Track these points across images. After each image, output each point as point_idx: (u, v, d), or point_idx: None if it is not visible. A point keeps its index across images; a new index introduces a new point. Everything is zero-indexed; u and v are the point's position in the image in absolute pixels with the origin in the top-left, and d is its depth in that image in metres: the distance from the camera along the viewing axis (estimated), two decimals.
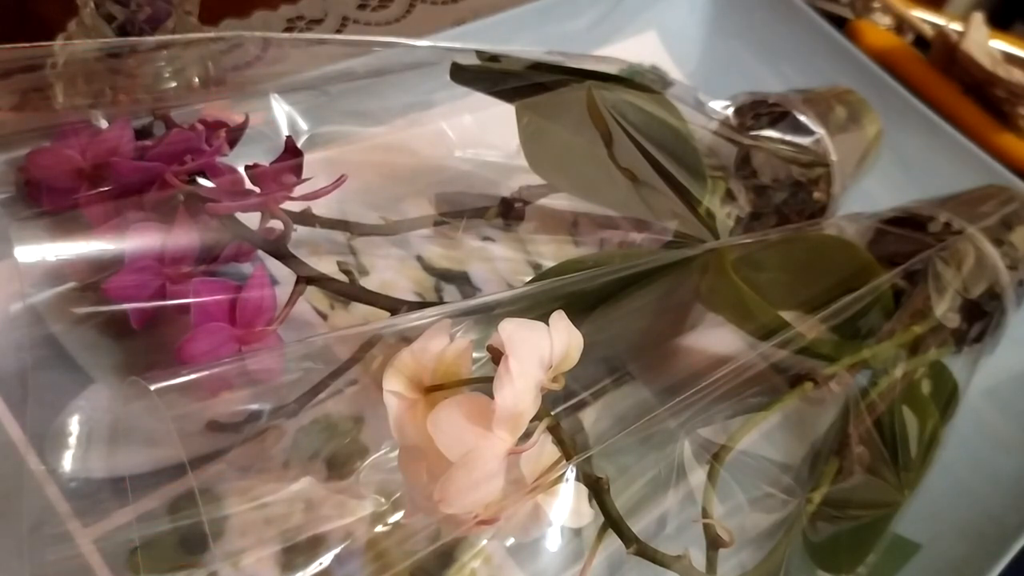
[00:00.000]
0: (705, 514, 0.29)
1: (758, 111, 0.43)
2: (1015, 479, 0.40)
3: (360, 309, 0.33)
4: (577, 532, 0.27)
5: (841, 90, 0.47)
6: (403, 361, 0.26)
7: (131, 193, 0.32)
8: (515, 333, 0.24)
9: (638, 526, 0.27)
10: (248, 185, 0.33)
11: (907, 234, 0.41)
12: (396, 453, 0.27)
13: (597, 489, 0.26)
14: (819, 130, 0.43)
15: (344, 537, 0.28)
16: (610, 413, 0.36)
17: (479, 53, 0.38)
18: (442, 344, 0.26)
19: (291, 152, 0.34)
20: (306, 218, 0.34)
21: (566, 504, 0.26)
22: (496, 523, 0.25)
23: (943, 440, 0.37)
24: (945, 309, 0.38)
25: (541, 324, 0.25)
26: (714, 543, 0.28)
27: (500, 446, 0.24)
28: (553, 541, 0.27)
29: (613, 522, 0.26)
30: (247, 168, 0.33)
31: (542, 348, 0.25)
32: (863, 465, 0.35)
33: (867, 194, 0.46)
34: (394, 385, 0.25)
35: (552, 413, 0.26)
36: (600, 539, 0.26)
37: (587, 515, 0.27)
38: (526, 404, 0.24)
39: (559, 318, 0.26)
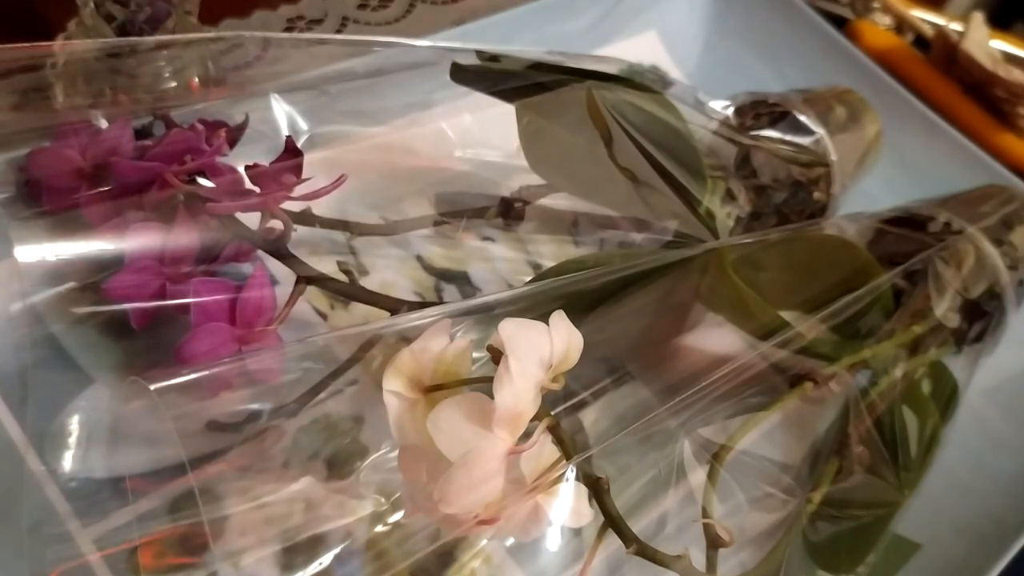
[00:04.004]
0: (705, 514, 0.29)
1: (758, 111, 0.43)
2: (1015, 479, 0.40)
3: (360, 309, 0.33)
4: (577, 532, 0.27)
5: (841, 90, 0.47)
6: (403, 361, 0.26)
7: (131, 193, 0.32)
8: (515, 333, 0.24)
9: (638, 526, 0.27)
10: (248, 185, 0.33)
11: (907, 234, 0.41)
12: (396, 453, 0.27)
13: (597, 489, 0.26)
14: (819, 130, 0.43)
15: (344, 537, 0.28)
16: (610, 413, 0.36)
17: (479, 53, 0.38)
18: (442, 344, 0.26)
19: (291, 152, 0.34)
20: (306, 218, 0.34)
21: (566, 504, 0.26)
22: (496, 523, 0.25)
23: (943, 440, 0.37)
24: (945, 309, 0.38)
25: (541, 324, 0.25)
26: (714, 543, 0.28)
27: (500, 446, 0.24)
28: (553, 541, 0.27)
29: (613, 522, 0.26)
30: (247, 168, 0.33)
31: (542, 348, 0.25)
32: (863, 465, 0.35)
33: (867, 194, 0.46)
34: (394, 385, 0.25)
35: (552, 413, 0.26)
36: (600, 539, 0.26)
37: (587, 515, 0.27)
38: (526, 404, 0.24)
39: (559, 318, 0.26)
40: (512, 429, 0.24)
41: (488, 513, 0.24)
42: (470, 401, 0.24)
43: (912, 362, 0.37)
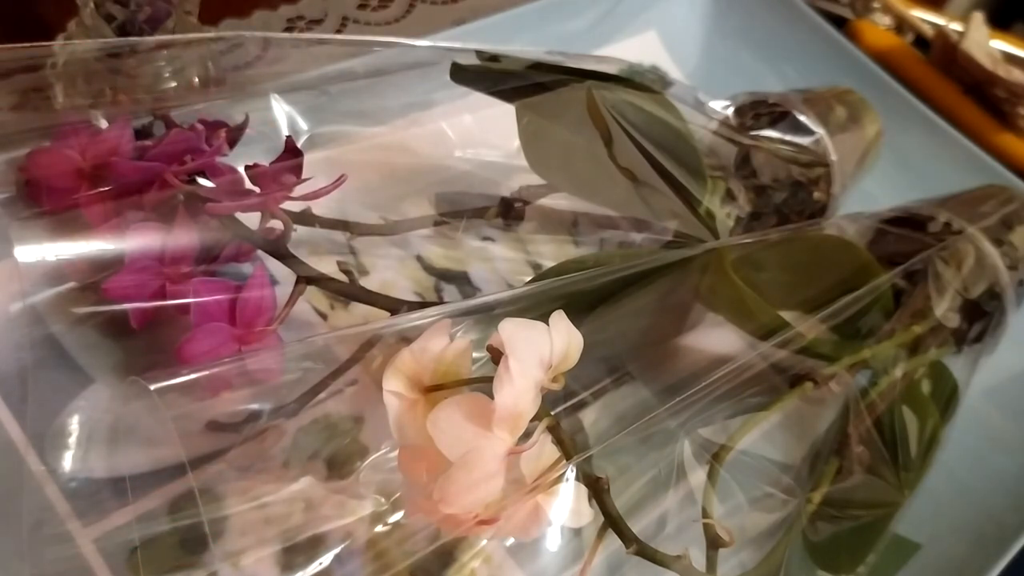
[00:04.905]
0: (705, 514, 0.29)
1: (758, 111, 0.43)
2: (1015, 479, 0.40)
3: (360, 309, 0.33)
4: (577, 532, 0.27)
5: (841, 90, 0.47)
6: (403, 361, 0.26)
7: (131, 193, 0.32)
8: (515, 333, 0.24)
9: (638, 526, 0.27)
10: (248, 185, 0.33)
11: (907, 234, 0.41)
12: (396, 453, 0.27)
13: (597, 489, 0.26)
14: (819, 130, 0.43)
15: (344, 537, 0.28)
16: (610, 413, 0.36)
17: (479, 53, 0.38)
18: (442, 344, 0.26)
19: (291, 152, 0.34)
20: (306, 218, 0.34)
21: (566, 504, 0.26)
22: (496, 523, 0.25)
23: (943, 440, 0.37)
24: (945, 309, 0.38)
25: (541, 324, 0.25)
26: (714, 543, 0.28)
27: (500, 446, 0.24)
28: (553, 541, 0.27)
29: (613, 522, 0.26)
30: (247, 168, 0.33)
31: (542, 348, 0.25)
32: (863, 465, 0.35)
33: (867, 194, 0.46)
34: (394, 385, 0.25)
35: (552, 413, 0.26)
36: (600, 539, 0.26)
37: (587, 515, 0.27)
38: (526, 404, 0.24)
39: (559, 318, 0.26)
40: (512, 429, 0.24)
41: (488, 513, 0.24)
42: (470, 401, 0.24)
43: (912, 362, 0.37)
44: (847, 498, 0.35)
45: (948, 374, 0.38)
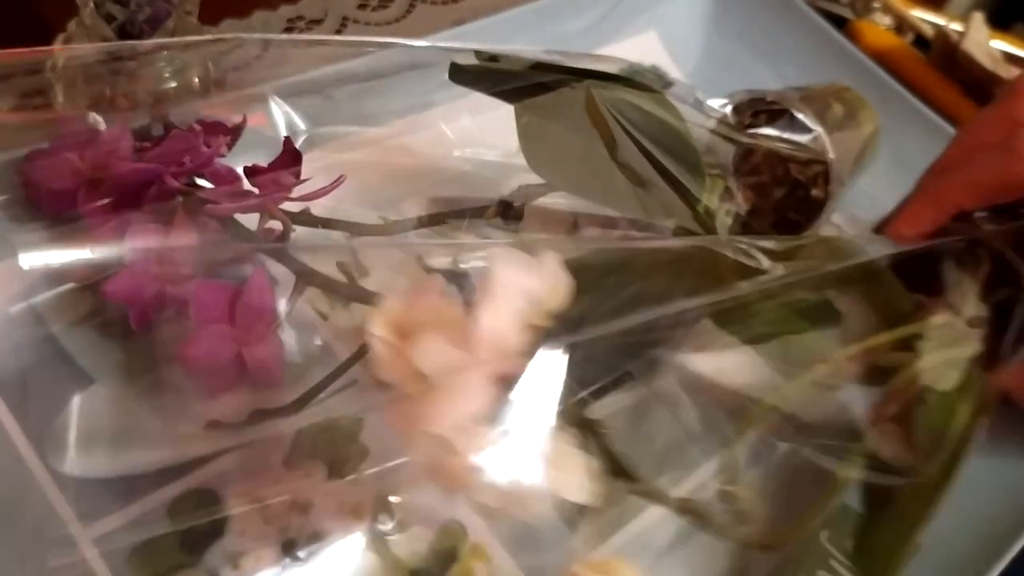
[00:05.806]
0: (728, 480, 0.29)
1: (756, 109, 0.43)
2: (1015, 479, 0.40)
3: (360, 309, 0.33)
4: (575, 528, 0.27)
5: (838, 87, 0.47)
6: (389, 306, 0.25)
7: (130, 195, 0.32)
8: (502, 259, 0.24)
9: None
10: (247, 186, 0.33)
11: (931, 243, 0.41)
12: (397, 460, 0.27)
13: (594, 430, 0.26)
14: (817, 128, 0.43)
15: (344, 536, 0.28)
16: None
17: (478, 53, 0.38)
18: (431, 298, 0.26)
19: (290, 153, 0.34)
20: (306, 218, 0.34)
21: (571, 478, 0.26)
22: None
23: (975, 434, 0.37)
24: (971, 315, 0.38)
25: (529, 257, 0.25)
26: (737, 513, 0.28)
27: (484, 366, 0.24)
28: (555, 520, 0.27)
29: (613, 460, 0.26)
30: (246, 169, 0.33)
31: (527, 278, 0.25)
32: (895, 444, 0.35)
33: (867, 194, 0.46)
34: (379, 330, 0.25)
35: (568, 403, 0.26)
36: (606, 496, 0.26)
37: (592, 489, 0.26)
38: (507, 327, 0.24)
39: (548, 256, 0.26)
40: (495, 350, 0.24)
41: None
42: (453, 328, 0.24)
43: (939, 354, 0.37)
44: (881, 479, 0.34)
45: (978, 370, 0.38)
